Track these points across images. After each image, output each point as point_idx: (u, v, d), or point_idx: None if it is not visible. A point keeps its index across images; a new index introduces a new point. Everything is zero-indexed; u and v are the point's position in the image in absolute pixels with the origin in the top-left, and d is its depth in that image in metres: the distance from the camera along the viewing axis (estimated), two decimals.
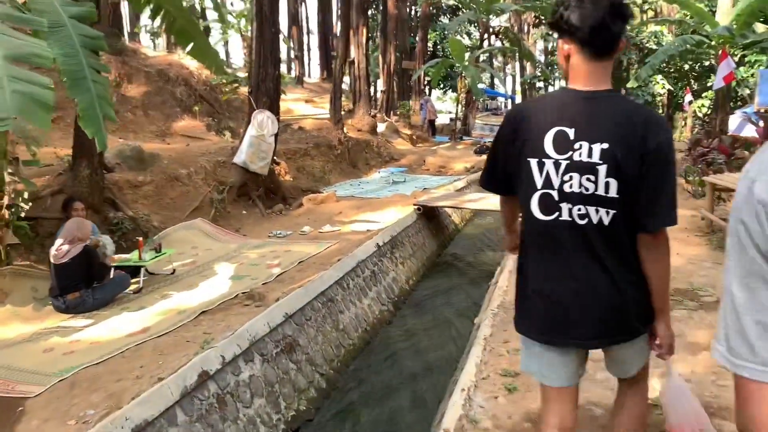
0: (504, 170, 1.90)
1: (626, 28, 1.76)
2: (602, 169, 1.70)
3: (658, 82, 25.95)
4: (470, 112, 25.51)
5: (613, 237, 1.76)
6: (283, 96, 11.88)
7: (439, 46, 31.09)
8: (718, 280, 5.47)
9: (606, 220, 1.73)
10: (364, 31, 15.89)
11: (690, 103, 20.82)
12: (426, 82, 26.73)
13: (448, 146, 20.27)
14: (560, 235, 1.79)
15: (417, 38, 27.45)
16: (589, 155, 1.71)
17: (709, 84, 21.72)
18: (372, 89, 25.01)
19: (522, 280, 1.94)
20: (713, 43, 20.28)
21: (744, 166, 0.76)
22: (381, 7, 25.97)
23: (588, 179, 1.71)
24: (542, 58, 43.53)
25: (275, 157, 10.35)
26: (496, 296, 5.02)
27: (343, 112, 16.61)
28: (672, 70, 32.02)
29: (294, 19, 28.14)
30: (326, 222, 8.57)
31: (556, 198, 1.77)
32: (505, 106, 60.76)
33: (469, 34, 37.83)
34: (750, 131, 16.09)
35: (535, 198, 1.80)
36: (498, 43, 28.58)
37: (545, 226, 1.80)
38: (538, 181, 1.78)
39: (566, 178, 1.74)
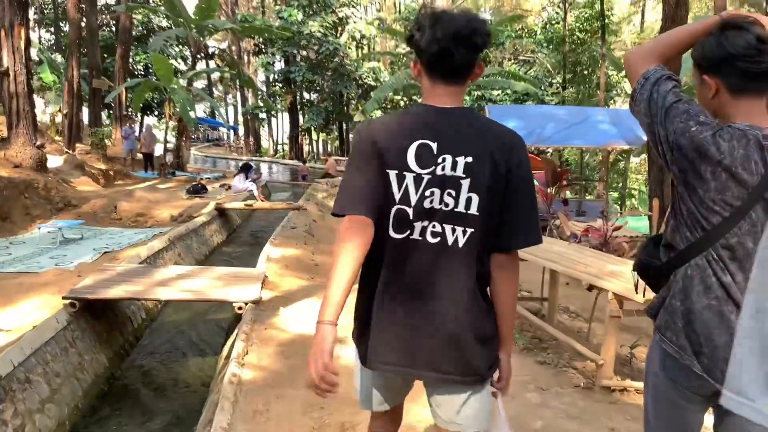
0: (369, 186, 1.69)
1: (477, 55, 1.70)
2: (465, 184, 1.66)
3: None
4: (184, 143, 21.99)
5: (463, 259, 1.68)
6: None
7: (151, 69, 26.91)
8: None
9: (461, 241, 1.67)
10: (22, 32, 11.57)
11: None
12: (127, 106, 22.43)
13: (153, 184, 16.55)
14: (409, 256, 1.70)
15: (117, 55, 23.17)
16: (453, 169, 1.66)
17: None
18: (62, 115, 20.00)
19: (365, 301, 1.79)
20: None
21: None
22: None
23: (449, 194, 1.67)
24: (264, 89, 41.78)
25: None
26: None
27: None
28: (388, 105, 32.83)
29: None
30: None
31: (411, 216, 1.69)
32: (228, 137, 58.51)
33: (185, 58, 34.12)
34: None
35: (391, 213, 1.69)
36: (214, 67, 25.65)
37: (397, 245, 1.70)
38: (396, 195, 1.69)
39: (427, 193, 1.67)
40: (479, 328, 1.70)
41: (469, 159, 1.64)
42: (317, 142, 45.13)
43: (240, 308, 5.47)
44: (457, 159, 1.65)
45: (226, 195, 15.12)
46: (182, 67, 29.46)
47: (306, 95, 38.81)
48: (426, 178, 1.66)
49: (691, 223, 1.64)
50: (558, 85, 32.45)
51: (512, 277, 1.74)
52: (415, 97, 28.97)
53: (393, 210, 1.69)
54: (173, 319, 7.31)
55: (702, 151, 1.58)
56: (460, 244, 1.66)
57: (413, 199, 1.67)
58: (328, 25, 33.08)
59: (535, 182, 10.44)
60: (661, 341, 1.71)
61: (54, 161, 13.94)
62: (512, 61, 33.54)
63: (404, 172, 1.66)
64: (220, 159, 38.63)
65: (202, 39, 20.98)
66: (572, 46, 29.72)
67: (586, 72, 30.42)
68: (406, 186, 1.67)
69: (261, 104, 36.01)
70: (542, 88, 31.74)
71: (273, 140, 53.98)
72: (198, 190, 15.45)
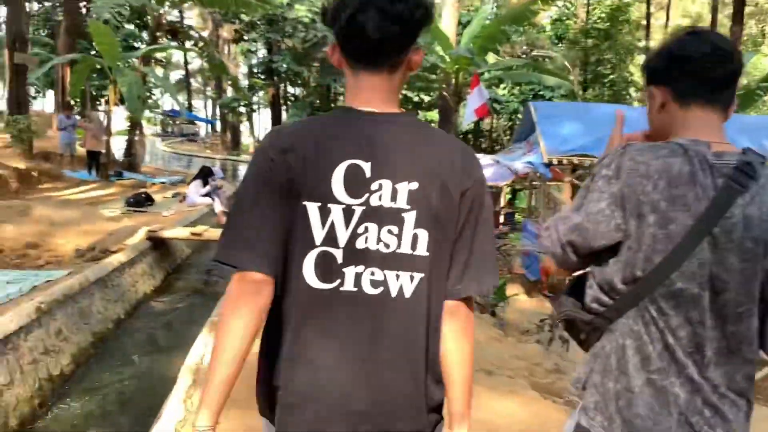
0: (272, 227, 1.22)
1: (405, 29, 1.20)
2: (409, 217, 1.22)
3: None
4: (138, 137, 17.98)
5: (411, 315, 1.24)
6: None
7: None
8: None
9: (408, 290, 1.23)
10: None
11: None
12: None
13: (78, 192, 12.55)
14: (340, 312, 1.23)
15: (61, 28, 19.34)
16: (393, 199, 1.22)
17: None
18: None
19: (281, 370, 1.25)
20: (447, 68, 16.41)
21: None
22: None
23: (389, 231, 1.22)
24: (246, 82, 37.79)
25: None
26: None
27: None
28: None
29: None
30: None
31: (340, 260, 1.22)
32: (206, 132, 54.17)
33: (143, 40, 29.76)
34: (506, 178, 12.43)
35: (310, 258, 1.22)
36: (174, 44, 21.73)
37: (321, 298, 1.22)
38: (317, 234, 1.21)
39: (360, 230, 1.21)
40: (434, 392, 1.30)
41: (414, 185, 1.22)
42: None
43: None
44: (398, 186, 1.22)
45: (176, 210, 11.21)
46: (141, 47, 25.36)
47: (290, 89, 34.96)
48: (358, 210, 1.21)
49: (629, 273, 1.28)
50: (571, 85, 28.96)
51: (465, 329, 1.32)
52: (421, 94, 25.29)
53: (314, 253, 1.22)
54: None
55: (636, 179, 1.26)
56: (407, 294, 1.24)
57: (342, 238, 1.22)
58: (317, 10, 29.27)
59: None
60: (590, 427, 1.35)
61: None
62: (525, 57, 29.90)
63: (329, 204, 1.21)
64: (193, 156, 34.62)
65: (161, 11, 17.03)
66: (594, 42, 26.10)
67: (607, 72, 26.79)
68: (332, 222, 1.21)
69: (238, 96, 31.99)
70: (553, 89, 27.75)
71: (254, 137, 50.07)
72: (140, 201, 11.52)
